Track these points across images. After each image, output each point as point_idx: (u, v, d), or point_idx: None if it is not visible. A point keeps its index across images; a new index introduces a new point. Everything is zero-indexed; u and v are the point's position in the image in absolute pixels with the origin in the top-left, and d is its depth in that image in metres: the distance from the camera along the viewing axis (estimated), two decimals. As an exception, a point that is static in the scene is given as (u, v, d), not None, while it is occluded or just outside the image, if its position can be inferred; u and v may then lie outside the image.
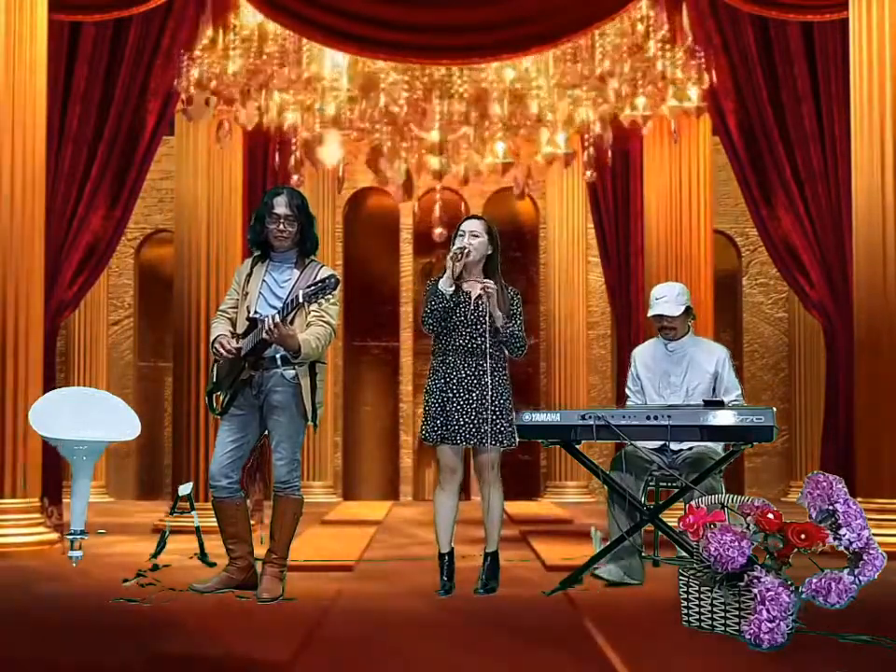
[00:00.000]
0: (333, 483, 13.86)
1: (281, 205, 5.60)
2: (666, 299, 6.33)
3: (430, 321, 5.73)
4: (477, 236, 5.79)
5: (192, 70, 8.97)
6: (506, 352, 5.80)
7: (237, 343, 5.61)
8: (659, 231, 9.90)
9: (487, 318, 5.68)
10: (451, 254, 5.74)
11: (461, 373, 5.71)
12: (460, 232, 5.83)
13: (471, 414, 5.67)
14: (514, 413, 5.77)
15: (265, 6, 8.71)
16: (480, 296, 5.75)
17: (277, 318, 5.34)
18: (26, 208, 7.36)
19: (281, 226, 5.59)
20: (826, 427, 9.01)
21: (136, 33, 8.62)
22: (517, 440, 5.76)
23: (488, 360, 5.67)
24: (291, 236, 5.62)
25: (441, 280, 5.73)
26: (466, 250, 5.73)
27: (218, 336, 5.67)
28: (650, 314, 6.40)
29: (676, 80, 9.37)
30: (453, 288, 5.71)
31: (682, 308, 6.32)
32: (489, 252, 5.84)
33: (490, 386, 5.68)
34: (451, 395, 5.69)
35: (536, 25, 8.68)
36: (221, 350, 5.60)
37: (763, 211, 8.97)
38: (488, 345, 5.68)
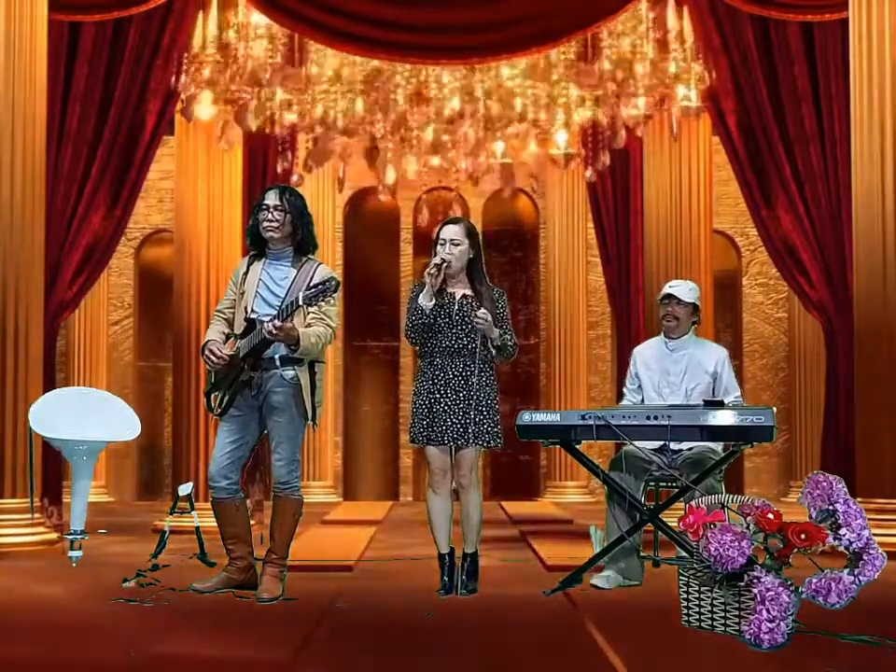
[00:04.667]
0: (333, 483, 13.86)
1: (271, 198, 5.60)
2: (680, 288, 6.39)
3: (413, 335, 5.70)
4: (458, 244, 5.68)
5: (191, 70, 8.97)
6: (493, 352, 5.72)
7: (235, 344, 5.60)
8: (659, 231, 9.90)
9: (475, 325, 5.59)
10: (428, 269, 5.64)
11: (448, 374, 5.67)
12: (440, 241, 5.70)
13: (458, 415, 5.63)
14: (500, 413, 5.73)
15: (265, 5, 8.70)
16: (464, 296, 5.71)
17: (277, 322, 5.33)
18: (26, 208, 7.35)
19: (270, 215, 5.56)
20: (826, 427, 9.01)
21: (136, 33, 8.62)
22: (502, 440, 5.72)
23: (475, 361, 5.63)
24: (280, 225, 5.57)
25: (420, 294, 5.66)
26: (444, 263, 5.63)
27: (208, 342, 5.67)
28: (660, 295, 6.45)
29: (677, 80, 9.38)
30: (433, 303, 5.64)
31: (691, 301, 6.35)
32: (471, 256, 5.75)
33: (476, 386, 5.64)
34: (438, 396, 5.65)
35: (536, 25, 8.68)
36: (212, 357, 5.61)
37: (763, 211, 8.98)
38: (475, 346, 5.63)
